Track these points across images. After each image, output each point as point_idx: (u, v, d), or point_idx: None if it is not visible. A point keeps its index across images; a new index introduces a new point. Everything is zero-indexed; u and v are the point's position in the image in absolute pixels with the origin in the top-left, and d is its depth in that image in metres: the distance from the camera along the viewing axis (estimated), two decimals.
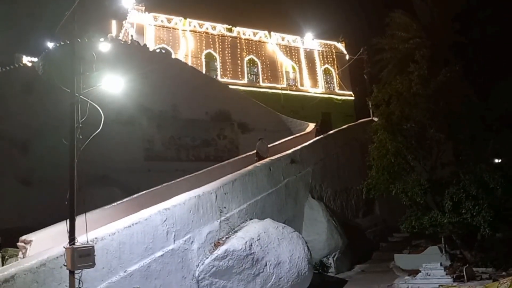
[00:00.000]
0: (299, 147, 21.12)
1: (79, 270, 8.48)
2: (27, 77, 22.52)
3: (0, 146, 20.26)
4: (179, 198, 13.17)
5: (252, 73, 36.12)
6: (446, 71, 17.78)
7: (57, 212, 9.96)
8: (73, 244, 8.45)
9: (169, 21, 33.53)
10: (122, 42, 27.67)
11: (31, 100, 21.52)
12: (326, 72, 39.76)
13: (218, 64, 34.59)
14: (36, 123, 20.82)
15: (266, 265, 13.27)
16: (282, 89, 36.48)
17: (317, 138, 23.42)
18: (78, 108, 8.96)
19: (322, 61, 39.73)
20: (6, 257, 12.89)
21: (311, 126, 27.45)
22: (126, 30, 33.35)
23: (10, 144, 20.59)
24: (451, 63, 21.80)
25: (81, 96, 9.05)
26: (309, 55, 39.23)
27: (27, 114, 21.08)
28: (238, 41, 36.11)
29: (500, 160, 18.77)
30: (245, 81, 35.25)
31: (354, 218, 22.89)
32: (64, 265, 8.52)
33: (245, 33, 36.72)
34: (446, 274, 14.87)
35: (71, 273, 8.38)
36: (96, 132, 9.19)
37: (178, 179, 17.48)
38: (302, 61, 38.73)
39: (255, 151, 20.74)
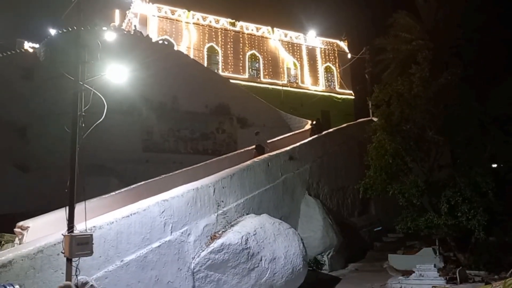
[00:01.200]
0: (298, 144, 21.05)
1: (77, 258, 8.52)
2: (28, 63, 22.48)
3: None
4: (177, 190, 13.19)
5: (253, 68, 36.08)
6: (448, 73, 17.78)
7: (54, 199, 9.96)
8: (72, 231, 8.48)
9: (172, 12, 33.40)
10: (125, 32, 27.61)
11: (31, 86, 21.50)
12: (327, 70, 39.74)
13: (220, 58, 34.54)
14: (36, 109, 20.80)
15: (261, 260, 13.29)
16: (282, 85, 36.44)
17: (316, 136, 23.37)
18: (82, 96, 8.96)
19: (324, 59, 39.70)
20: (3, 243, 12.89)
21: None
22: (129, 20, 33.27)
23: (9, 130, 20.56)
24: (453, 65, 21.76)
25: (84, 85, 9.05)
26: (311, 52, 39.18)
27: (26, 100, 21.05)
28: (240, 35, 36.03)
29: (495, 165, 18.81)
30: (246, 76, 35.21)
31: (350, 217, 22.87)
32: (61, 252, 8.56)
33: (248, 28, 36.64)
34: (439, 276, 14.96)
35: (69, 260, 8.42)
36: (99, 121, 9.20)
37: (176, 171, 17.42)
38: (303, 58, 38.68)
39: (253, 146, 20.76)
